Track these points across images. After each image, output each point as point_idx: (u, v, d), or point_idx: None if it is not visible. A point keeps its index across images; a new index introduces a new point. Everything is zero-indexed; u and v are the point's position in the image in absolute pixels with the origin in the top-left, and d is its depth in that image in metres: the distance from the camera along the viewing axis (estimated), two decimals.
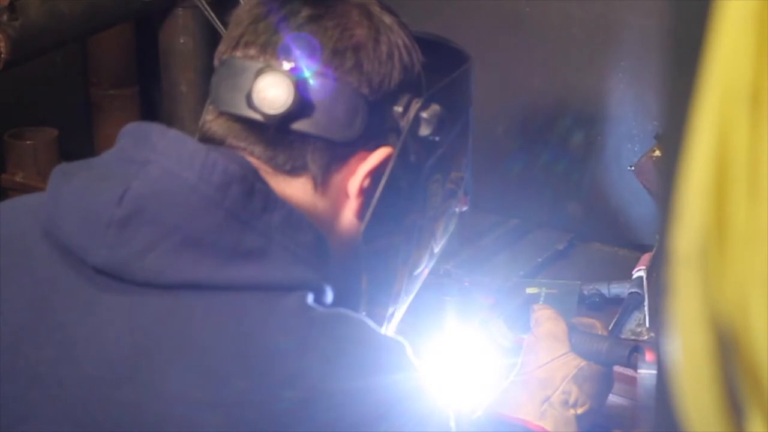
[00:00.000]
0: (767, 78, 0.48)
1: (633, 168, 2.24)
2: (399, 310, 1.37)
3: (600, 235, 2.47)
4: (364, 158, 1.23)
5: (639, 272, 2.18)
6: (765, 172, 0.48)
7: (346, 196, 1.24)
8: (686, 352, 0.53)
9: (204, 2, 2.46)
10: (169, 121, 2.75)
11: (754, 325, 0.51)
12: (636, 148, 2.37)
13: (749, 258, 0.50)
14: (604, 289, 2.19)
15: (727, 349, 0.52)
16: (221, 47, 1.25)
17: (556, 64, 2.47)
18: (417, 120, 1.25)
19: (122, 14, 2.63)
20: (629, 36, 2.33)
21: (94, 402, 1.10)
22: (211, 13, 2.43)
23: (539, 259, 2.37)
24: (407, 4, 2.44)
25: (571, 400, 1.59)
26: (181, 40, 2.73)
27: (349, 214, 1.24)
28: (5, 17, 2.27)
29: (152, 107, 2.93)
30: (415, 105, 1.25)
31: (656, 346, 0.58)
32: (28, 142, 2.66)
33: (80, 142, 2.81)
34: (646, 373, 1.59)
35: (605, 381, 1.64)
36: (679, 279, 0.53)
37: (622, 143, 2.41)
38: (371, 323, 1.16)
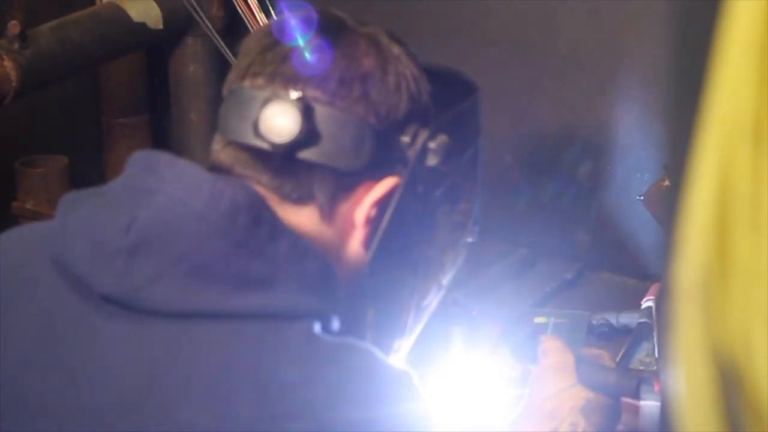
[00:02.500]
0: None
1: (642, 197, 2.24)
2: (406, 342, 1.36)
3: (609, 264, 2.47)
4: (371, 188, 1.23)
5: (648, 302, 2.17)
6: (767, 206, 0.49)
7: (353, 225, 1.24)
8: (689, 385, 0.53)
9: (214, 31, 2.47)
10: (180, 149, 2.76)
11: (756, 359, 0.51)
12: (645, 178, 2.37)
13: (751, 292, 0.50)
14: (613, 319, 2.19)
15: (730, 383, 0.52)
16: (230, 77, 1.25)
17: (565, 93, 2.47)
18: (424, 150, 1.25)
19: (133, 43, 2.65)
20: (638, 66, 2.34)
21: (102, 430, 1.10)
22: (221, 42, 2.44)
23: (548, 289, 2.36)
24: (417, 35, 2.45)
25: None
26: (191, 69, 2.74)
27: (355, 244, 1.24)
28: (16, 45, 2.28)
29: (163, 135, 2.94)
30: (423, 135, 1.25)
31: (661, 378, 0.58)
32: (39, 170, 2.67)
33: (91, 170, 2.82)
34: (648, 404, 1.59)
35: (612, 413, 1.63)
36: (682, 312, 0.53)
37: (631, 173, 2.41)
38: (378, 353, 1.16)
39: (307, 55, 1.21)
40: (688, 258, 0.52)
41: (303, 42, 1.22)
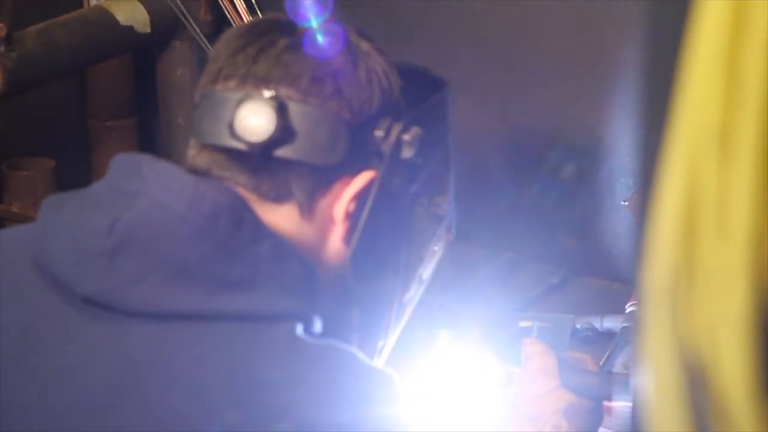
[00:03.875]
0: (735, 119, 0.49)
1: (626, 203, 2.25)
2: (389, 339, 1.37)
3: (594, 269, 2.48)
4: (348, 183, 1.24)
5: (632, 307, 2.18)
6: (733, 210, 0.49)
7: (332, 221, 1.24)
8: (657, 386, 0.54)
9: (201, 35, 2.48)
10: (167, 152, 2.76)
11: (722, 360, 0.51)
12: (630, 183, 2.38)
13: (716, 294, 0.50)
14: (597, 323, 2.20)
15: (697, 384, 0.52)
16: (201, 82, 1.26)
17: (550, 98, 2.48)
18: (399, 143, 1.26)
19: (120, 46, 2.65)
20: (624, 70, 2.35)
21: (83, 431, 1.10)
22: (209, 46, 2.44)
23: (533, 293, 2.37)
24: (403, 38, 2.46)
25: None
26: (179, 73, 2.75)
27: (335, 240, 1.25)
28: (2, 48, 2.28)
29: (150, 139, 2.94)
30: (396, 128, 1.26)
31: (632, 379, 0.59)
32: (25, 172, 2.67)
33: (78, 173, 2.82)
34: (620, 405, 1.60)
35: (595, 416, 1.64)
36: (650, 314, 0.53)
37: (615, 178, 2.42)
38: (361, 354, 1.17)
39: (278, 55, 1.22)
40: (656, 261, 0.53)
41: (273, 43, 1.23)
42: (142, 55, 2.84)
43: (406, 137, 1.26)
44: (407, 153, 1.27)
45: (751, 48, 0.49)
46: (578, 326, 2.19)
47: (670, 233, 0.52)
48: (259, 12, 2.44)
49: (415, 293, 1.39)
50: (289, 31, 1.24)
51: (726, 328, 0.51)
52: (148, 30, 2.64)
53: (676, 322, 0.52)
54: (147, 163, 1.18)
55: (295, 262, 1.16)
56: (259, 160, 1.20)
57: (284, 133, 1.19)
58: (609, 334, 2.17)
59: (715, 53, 0.50)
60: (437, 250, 1.40)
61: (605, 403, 1.68)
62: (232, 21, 2.41)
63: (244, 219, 1.14)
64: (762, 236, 0.49)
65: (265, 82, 1.21)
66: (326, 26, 1.26)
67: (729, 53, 0.50)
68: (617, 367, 2.08)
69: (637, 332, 0.55)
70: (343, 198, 1.24)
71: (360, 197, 1.24)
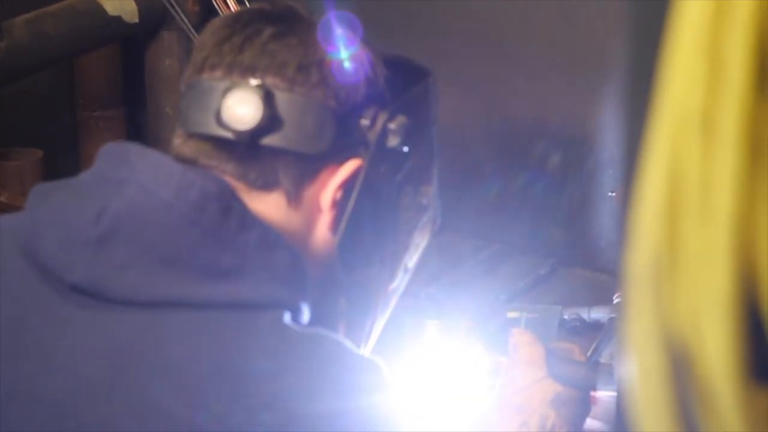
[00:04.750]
0: (717, 104, 0.50)
1: (614, 194, 2.25)
2: (376, 328, 1.38)
3: (582, 260, 2.48)
4: (335, 171, 1.24)
5: (619, 298, 2.18)
6: (715, 194, 0.50)
7: (319, 210, 1.25)
8: (640, 370, 0.54)
9: (190, 26, 2.48)
10: (155, 142, 2.75)
11: (706, 346, 0.52)
12: (617, 174, 2.38)
13: (700, 278, 0.51)
14: (585, 314, 2.20)
15: (681, 368, 0.53)
16: (187, 72, 1.26)
17: (538, 88, 2.48)
18: (384, 131, 1.27)
19: (108, 36, 2.65)
20: (611, 61, 2.35)
21: (72, 418, 1.10)
22: (196, 36, 2.44)
23: (521, 284, 2.38)
24: (392, 31, 2.46)
25: (548, 425, 1.59)
26: (167, 63, 2.74)
27: (323, 229, 1.25)
28: None
29: (138, 129, 2.94)
30: (382, 117, 1.26)
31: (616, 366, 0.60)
32: (13, 162, 2.66)
33: (66, 163, 2.82)
34: (605, 394, 1.60)
35: (582, 405, 1.64)
36: (634, 299, 0.54)
37: (603, 169, 2.43)
38: (348, 343, 1.17)
39: (264, 44, 1.22)
40: (640, 245, 0.53)
41: (258, 32, 1.23)
42: (130, 45, 2.84)
43: (392, 126, 1.27)
44: (393, 142, 1.27)
45: (732, 32, 0.49)
46: (566, 317, 2.20)
47: (654, 218, 0.52)
48: (246, 2, 2.43)
49: (401, 282, 1.39)
50: (275, 20, 1.24)
51: (709, 312, 0.51)
52: (137, 20, 2.63)
53: (660, 306, 0.53)
54: (135, 152, 1.18)
55: (283, 251, 1.16)
56: (246, 148, 1.20)
57: (271, 121, 1.19)
58: (596, 325, 2.18)
59: (697, 38, 0.50)
60: (423, 239, 1.40)
61: (594, 393, 1.68)
62: (219, 11, 2.40)
63: (232, 207, 1.15)
64: (744, 219, 0.49)
65: (251, 71, 1.21)
66: (312, 17, 1.26)
67: (711, 38, 0.50)
68: (605, 357, 2.08)
69: (621, 318, 0.55)
70: (329, 186, 1.24)
71: (346, 186, 1.25)
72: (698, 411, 0.53)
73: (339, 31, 1.26)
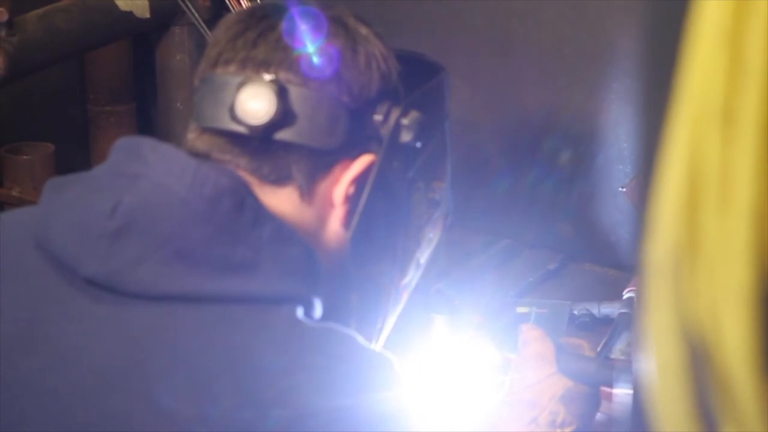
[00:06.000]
0: (738, 97, 0.50)
1: (624, 189, 2.25)
2: (387, 323, 1.38)
3: (591, 255, 2.48)
4: (348, 166, 1.25)
5: (629, 293, 2.18)
6: (735, 186, 0.50)
7: (332, 204, 1.25)
8: (659, 364, 0.54)
9: (201, 21, 2.48)
10: (165, 137, 2.73)
11: (725, 338, 0.52)
12: (627, 169, 2.38)
13: (720, 271, 0.51)
14: (594, 310, 2.20)
15: (700, 361, 0.53)
16: (201, 67, 1.27)
17: (548, 84, 2.48)
18: (397, 127, 1.27)
19: (119, 31, 2.65)
20: (621, 57, 2.35)
21: (84, 411, 1.10)
22: (207, 31, 2.44)
23: (530, 279, 2.38)
24: (400, 27, 2.46)
25: (558, 421, 1.59)
26: (178, 58, 2.75)
27: (335, 224, 1.26)
28: (3, 33, 2.28)
29: (148, 124, 2.94)
30: (395, 112, 1.27)
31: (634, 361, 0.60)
32: (25, 157, 2.67)
33: (77, 157, 2.83)
34: (622, 392, 1.60)
35: (592, 401, 1.65)
36: (652, 292, 0.54)
37: (613, 164, 2.43)
38: (360, 338, 1.17)
39: (277, 40, 1.22)
40: (659, 237, 0.53)
41: (272, 27, 1.23)
42: (141, 40, 2.84)
43: (405, 121, 1.27)
44: (406, 137, 1.28)
45: (753, 24, 0.49)
46: (575, 312, 2.20)
47: (673, 210, 0.52)
48: None
49: (412, 277, 1.39)
50: (289, 15, 1.24)
51: (728, 304, 0.51)
52: (148, 15, 2.64)
53: (679, 298, 0.53)
54: (148, 146, 1.18)
55: (297, 246, 1.16)
56: (259, 143, 1.21)
57: (284, 116, 1.20)
58: (606, 320, 2.18)
59: (718, 30, 0.50)
60: (435, 234, 1.41)
61: (604, 389, 1.68)
62: (230, 7, 2.41)
63: (245, 202, 1.15)
64: (764, 212, 0.49)
65: (265, 65, 1.21)
66: (326, 12, 1.26)
67: (732, 30, 0.50)
68: (615, 353, 2.08)
69: (639, 311, 0.55)
70: (342, 181, 1.24)
71: (359, 181, 1.25)
72: (717, 403, 0.53)
73: (352, 27, 1.27)
